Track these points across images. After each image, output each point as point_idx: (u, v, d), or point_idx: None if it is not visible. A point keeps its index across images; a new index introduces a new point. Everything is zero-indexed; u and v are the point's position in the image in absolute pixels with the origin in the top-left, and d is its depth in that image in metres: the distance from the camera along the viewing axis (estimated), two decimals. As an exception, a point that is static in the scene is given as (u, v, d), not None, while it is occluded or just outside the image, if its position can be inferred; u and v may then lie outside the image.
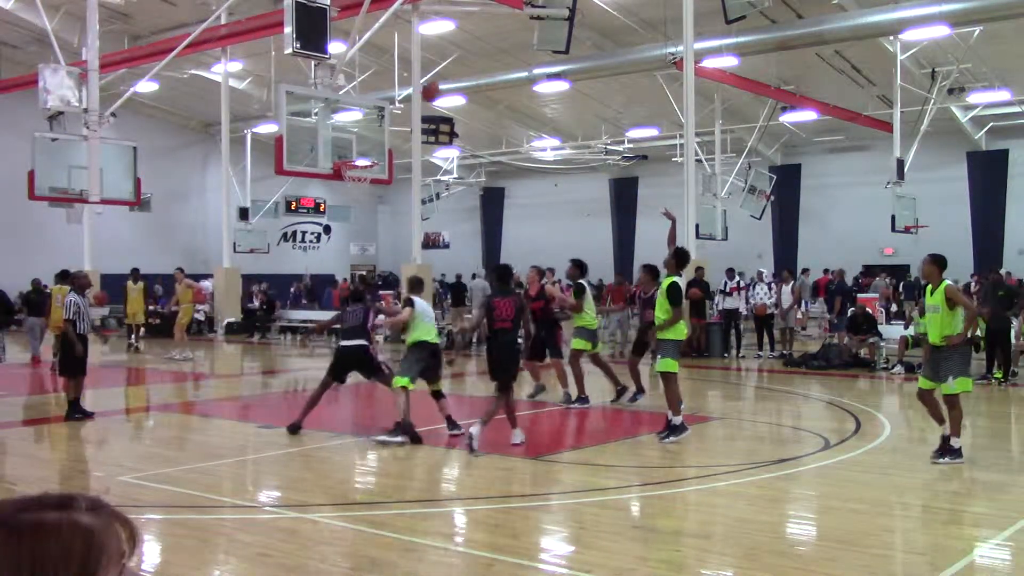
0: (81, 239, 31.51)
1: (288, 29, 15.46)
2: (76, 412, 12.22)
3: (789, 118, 31.58)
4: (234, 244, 31.20)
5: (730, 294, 21.09)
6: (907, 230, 28.21)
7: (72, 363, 12.34)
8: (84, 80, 16.89)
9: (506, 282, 10.81)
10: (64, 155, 17.32)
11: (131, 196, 18.66)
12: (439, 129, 28.72)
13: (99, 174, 16.94)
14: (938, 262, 9.44)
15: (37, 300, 20.20)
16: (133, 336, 23.02)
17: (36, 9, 20.31)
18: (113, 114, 17.49)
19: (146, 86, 27.90)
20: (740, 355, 20.70)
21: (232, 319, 28.66)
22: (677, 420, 10.40)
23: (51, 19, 20.60)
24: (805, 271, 28.98)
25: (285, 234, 43.82)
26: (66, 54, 19.10)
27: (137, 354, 22.21)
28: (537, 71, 27.53)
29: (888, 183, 26.98)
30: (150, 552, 6.77)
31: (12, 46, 31.94)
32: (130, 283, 23.04)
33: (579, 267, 13.72)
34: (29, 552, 1.22)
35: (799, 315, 23.28)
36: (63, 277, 18.49)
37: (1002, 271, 23.61)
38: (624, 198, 41.94)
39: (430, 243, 38.72)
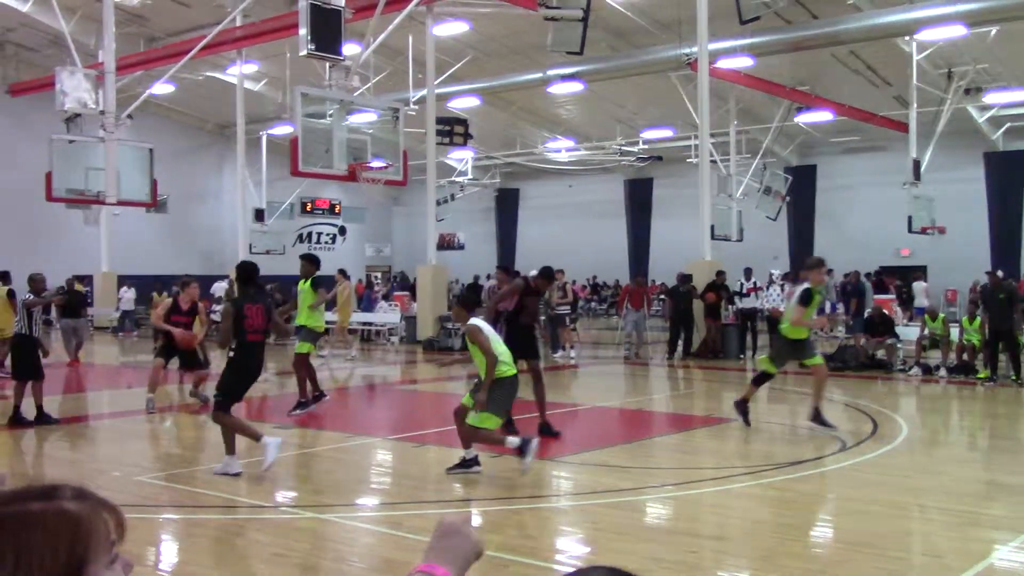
0: (98, 241, 31.72)
1: (303, 31, 15.50)
2: (41, 419, 11.84)
3: (804, 119, 31.48)
4: (250, 245, 31.32)
5: (747, 295, 20.99)
6: (924, 231, 28.06)
7: (27, 367, 11.95)
8: (101, 82, 16.99)
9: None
10: (81, 157, 17.40)
11: (147, 198, 18.75)
12: (454, 130, 28.77)
13: (116, 176, 17.03)
14: (463, 302, 9.04)
15: (71, 301, 20.19)
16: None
17: (53, 12, 20.44)
18: (130, 116, 17.59)
19: (162, 88, 28.05)
20: (756, 356, 20.62)
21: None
22: None
23: (68, 21, 20.74)
24: (828, 271, 28.81)
25: (301, 235, 43.93)
26: (83, 56, 19.23)
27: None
28: (551, 72, 27.54)
29: (904, 184, 26.86)
30: (167, 552, 6.81)
31: (29, 49, 32.17)
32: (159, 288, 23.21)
33: (311, 261, 13.31)
34: (13, 543, 1.21)
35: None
36: (2, 279, 18.13)
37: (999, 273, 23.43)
38: (639, 199, 41.89)
39: (445, 244, 38.74)
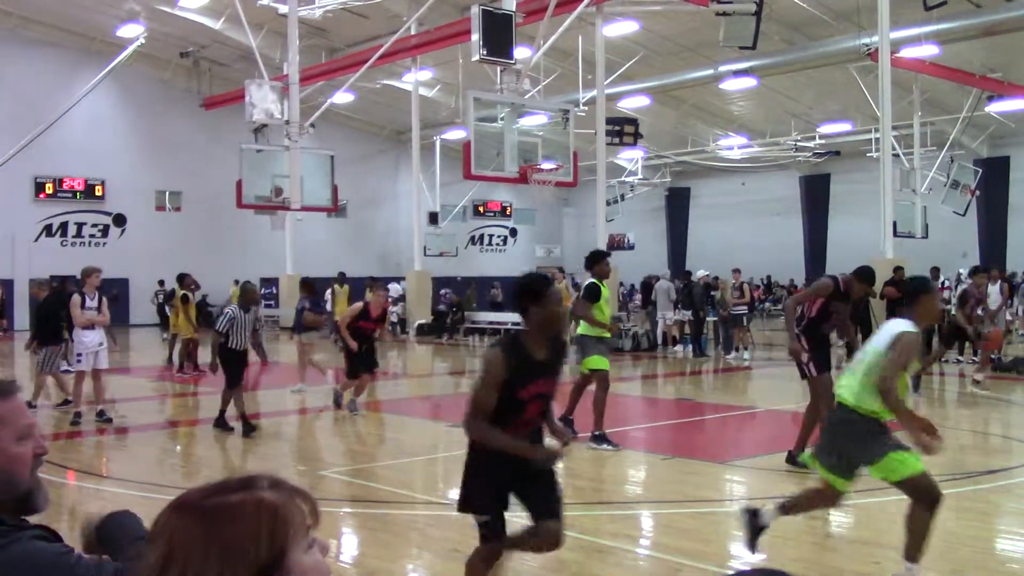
0: (283, 245, 33.30)
1: (475, 36, 15.83)
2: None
3: (996, 108, 29.76)
4: (424, 248, 32.14)
5: (934, 295, 19.97)
6: None
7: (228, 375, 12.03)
8: (286, 93, 17.84)
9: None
10: (268, 165, 18.32)
11: (329, 203, 19.52)
12: (623, 130, 28.69)
13: (300, 182, 17.83)
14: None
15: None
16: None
17: (242, 28, 21.58)
18: (312, 125, 18.38)
19: (342, 97, 29.15)
20: (943, 359, 19.61)
21: (423, 321, 29.50)
22: None
23: (255, 37, 21.85)
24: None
25: (473, 237, 44.80)
26: (269, 70, 20.21)
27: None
28: (723, 68, 27.06)
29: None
30: (347, 544, 7.07)
31: (221, 64, 34.11)
32: (336, 286, 24.06)
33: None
34: (218, 534, 1.26)
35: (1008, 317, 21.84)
36: (179, 281, 18.83)
37: None
38: (815, 196, 40.66)
39: (615, 244, 38.64)
